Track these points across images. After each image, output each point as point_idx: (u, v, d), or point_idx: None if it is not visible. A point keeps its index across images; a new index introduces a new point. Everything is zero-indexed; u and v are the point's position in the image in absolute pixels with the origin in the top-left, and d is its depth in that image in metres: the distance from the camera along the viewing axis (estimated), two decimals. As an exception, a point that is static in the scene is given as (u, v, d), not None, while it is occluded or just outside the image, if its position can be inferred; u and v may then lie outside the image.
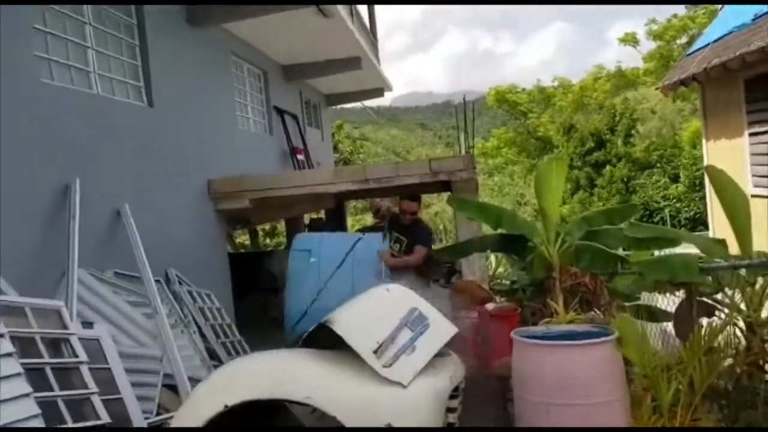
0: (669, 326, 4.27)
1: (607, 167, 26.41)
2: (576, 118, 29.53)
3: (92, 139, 5.33)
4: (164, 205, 6.41)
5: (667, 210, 22.72)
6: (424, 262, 5.53)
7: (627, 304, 5.36)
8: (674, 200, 22.98)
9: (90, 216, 5.01)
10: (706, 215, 10.93)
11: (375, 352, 3.05)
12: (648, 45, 30.57)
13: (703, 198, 15.41)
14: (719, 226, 7.85)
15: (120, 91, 6.06)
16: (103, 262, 5.25)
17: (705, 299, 3.65)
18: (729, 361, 3.12)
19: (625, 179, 25.70)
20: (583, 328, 3.36)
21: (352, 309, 3.47)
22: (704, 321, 3.30)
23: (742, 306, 3.17)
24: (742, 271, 3.16)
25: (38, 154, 4.60)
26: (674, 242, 4.43)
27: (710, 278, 3.52)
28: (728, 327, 3.03)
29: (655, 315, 4.96)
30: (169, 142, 6.69)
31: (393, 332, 3.19)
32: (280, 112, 10.91)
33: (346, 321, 3.22)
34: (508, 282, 7.63)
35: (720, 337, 2.92)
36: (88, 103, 5.43)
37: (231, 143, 8.52)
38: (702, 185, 17.65)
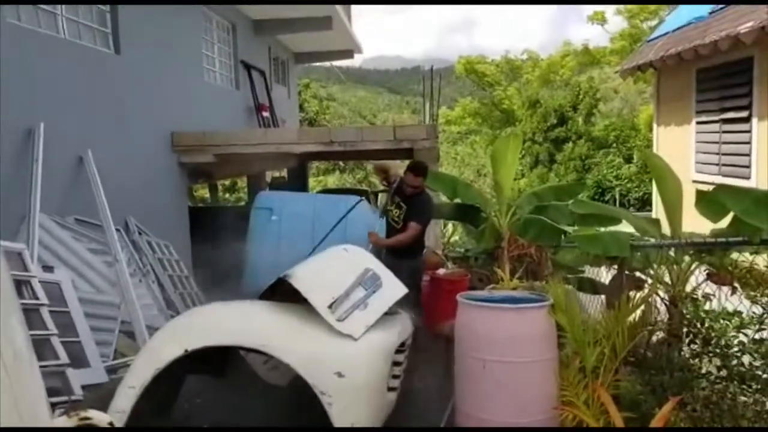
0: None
1: (568, 144, 26.91)
2: (541, 94, 29.86)
3: (57, 83, 5.28)
4: (127, 154, 6.41)
5: (617, 189, 23.32)
6: (417, 239, 5.20)
7: (570, 276, 5.73)
8: (626, 180, 23.52)
9: (53, 161, 5.02)
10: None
11: (330, 306, 3.26)
12: (617, 24, 30.87)
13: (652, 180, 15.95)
14: (661, 207, 8.33)
15: (87, 37, 5.98)
16: (65, 208, 5.29)
17: (636, 274, 3.99)
18: (654, 331, 3.45)
19: (583, 157, 26.25)
20: (522, 294, 3.67)
21: (310, 266, 3.67)
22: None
23: (668, 281, 3.49)
24: (673, 250, 3.48)
25: (2, 97, 4.56)
26: (615, 220, 4.73)
27: (640, 255, 3.83)
28: (652, 300, 3.35)
29: (596, 287, 5.32)
30: (135, 91, 6.65)
31: (348, 289, 3.40)
32: (248, 67, 10.79)
33: (304, 276, 3.41)
34: (462, 250, 7.97)
35: (641, 308, 3.23)
36: (55, 46, 5.36)
37: (196, 96, 8.47)
38: (652, 168, 18.22)
